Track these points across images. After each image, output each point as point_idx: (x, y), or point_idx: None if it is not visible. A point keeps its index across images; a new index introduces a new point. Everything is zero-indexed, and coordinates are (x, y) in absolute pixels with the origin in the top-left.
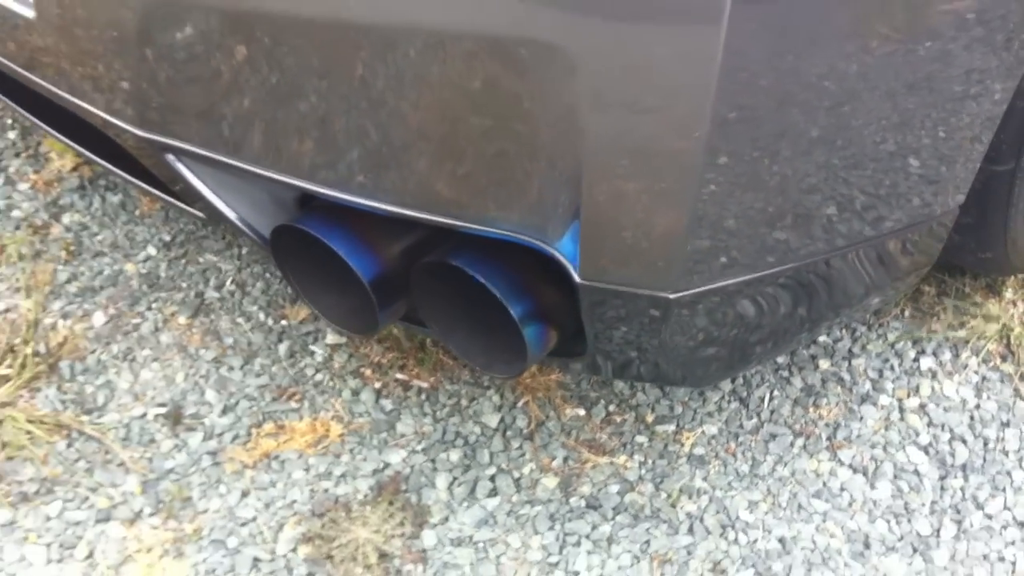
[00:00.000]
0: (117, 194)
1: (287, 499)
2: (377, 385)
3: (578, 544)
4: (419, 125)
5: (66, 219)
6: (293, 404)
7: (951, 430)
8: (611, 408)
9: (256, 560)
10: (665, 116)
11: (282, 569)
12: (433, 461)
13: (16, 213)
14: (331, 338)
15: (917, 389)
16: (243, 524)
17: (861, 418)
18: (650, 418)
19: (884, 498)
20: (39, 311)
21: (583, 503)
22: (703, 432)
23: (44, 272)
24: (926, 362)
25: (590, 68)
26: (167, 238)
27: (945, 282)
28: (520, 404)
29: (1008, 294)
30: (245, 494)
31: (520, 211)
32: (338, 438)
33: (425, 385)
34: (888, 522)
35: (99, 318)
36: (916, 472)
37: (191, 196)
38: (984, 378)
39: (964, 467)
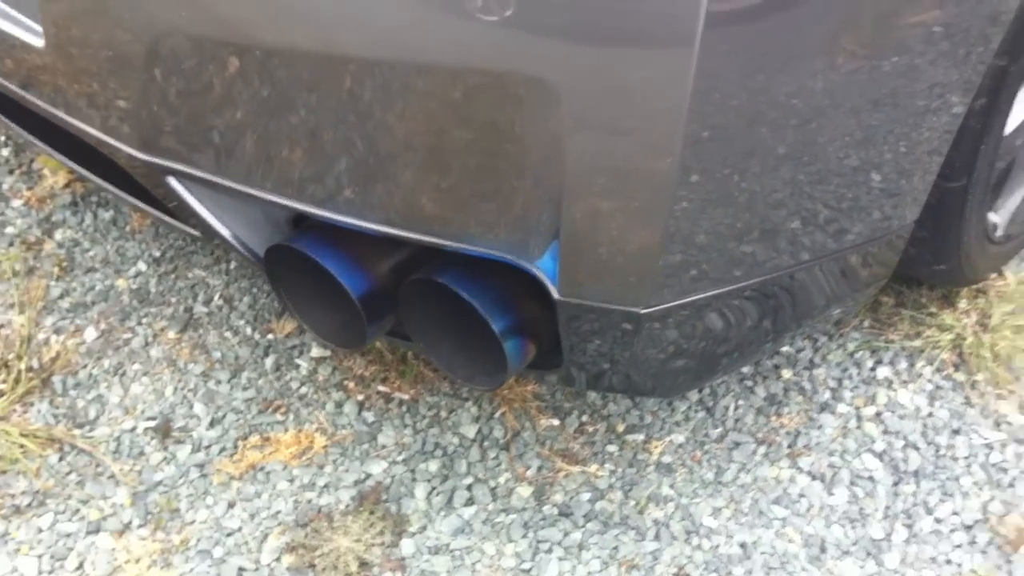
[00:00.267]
0: (108, 210)
1: (272, 510)
2: (360, 397)
3: (550, 551)
4: (406, 150)
5: (59, 235)
6: (278, 416)
7: (905, 437)
8: (584, 418)
9: (241, 570)
10: (641, 138)
11: None
12: (413, 472)
13: (10, 229)
14: (316, 351)
15: (874, 398)
16: (229, 534)
17: (820, 426)
18: (621, 428)
19: (840, 504)
20: (32, 326)
21: (556, 511)
22: (671, 441)
23: (37, 288)
24: (883, 371)
25: (569, 93)
26: (157, 254)
27: (903, 293)
28: (497, 415)
29: (962, 304)
30: (231, 505)
31: (503, 231)
32: (322, 449)
33: (406, 397)
34: (844, 527)
35: (91, 333)
36: (871, 478)
37: (188, 215)
38: (937, 386)
39: (916, 473)
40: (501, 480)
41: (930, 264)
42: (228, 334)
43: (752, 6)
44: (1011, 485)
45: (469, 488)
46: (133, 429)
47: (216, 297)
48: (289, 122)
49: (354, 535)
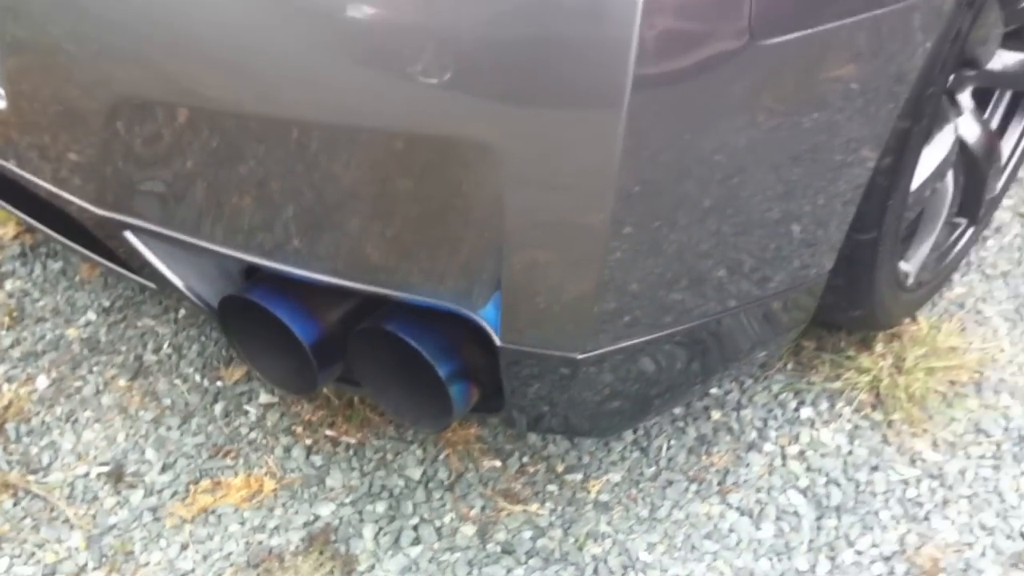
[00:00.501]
0: (58, 261)
1: (224, 551)
2: (308, 442)
3: None
4: (353, 207)
5: (8, 285)
6: (229, 461)
7: (827, 474)
8: (525, 459)
9: None
10: (575, 194)
11: None
12: (360, 513)
13: None
14: (264, 398)
15: (797, 437)
16: (183, 575)
17: (748, 464)
18: (560, 468)
19: (767, 537)
20: None
21: (499, 549)
22: (608, 480)
23: None
24: (805, 412)
25: (507, 152)
26: (106, 303)
27: (823, 338)
28: (442, 457)
29: (878, 348)
30: (184, 547)
31: (447, 282)
32: (271, 493)
33: (353, 441)
34: (771, 559)
35: (42, 381)
36: (796, 513)
37: (143, 267)
38: (856, 426)
39: (838, 508)
40: (446, 520)
41: (846, 310)
42: (178, 381)
43: (676, 69)
44: (926, 518)
45: (415, 528)
46: (86, 474)
47: (165, 345)
48: (240, 180)
49: (305, 574)
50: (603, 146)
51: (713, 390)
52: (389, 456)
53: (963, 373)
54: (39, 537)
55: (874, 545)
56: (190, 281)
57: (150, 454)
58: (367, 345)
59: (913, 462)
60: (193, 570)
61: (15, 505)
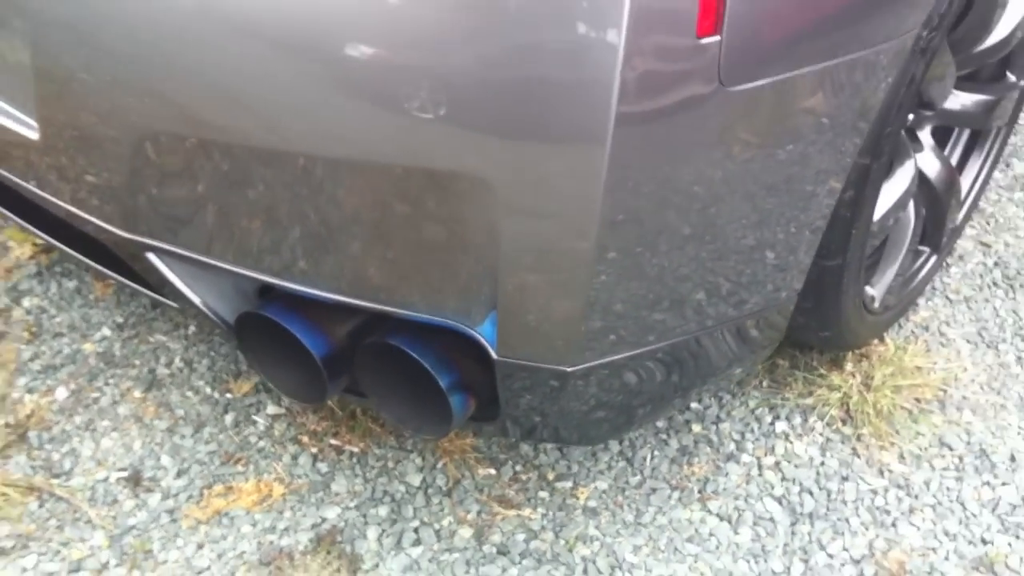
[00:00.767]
0: (73, 280)
1: (237, 550)
2: (314, 450)
3: None
4: (361, 234)
5: (26, 303)
6: (240, 468)
7: (800, 483)
8: (518, 468)
9: None
10: (564, 221)
11: None
12: (364, 516)
13: None
14: (272, 409)
15: (773, 449)
16: (199, 572)
17: (727, 474)
18: (551, 476)
19: (745, 541)
20: (6, 387)
21: (494, 550)
22: (596, 487)
23: (9, 351)
24: (780, 426)
25: (501, 184)
26: (120, 320)
27: (796, 357)
28: (439, 465)
29: (848, 367)
30: (200, 546)
31: (448, 301)
32: (280, 497)
33: (356, 450)
34: (748, 561)
35: (61, 392)
36: (771, 519)
37: (164, 287)
38: (828, 439)
39: (811, 515)
40: (444, 523)
41: (816, 331)
42: (190, 393)
43: (654, 109)
44: (893, 525)
45: (416, 530)
46: (106, 479)
47: (177, 360)
48: (256, 206)
49: (313, 572)
50: (588, 178)
51: (694, 405)
52: (390, 464)
53: (928, 391)
54: (64, 536)
55: (845, 549)
56: (208, 299)
57: (165, 460)
58: (373, 358)
59: (881, 473)
60: (209, 567)
61: (40, 507)
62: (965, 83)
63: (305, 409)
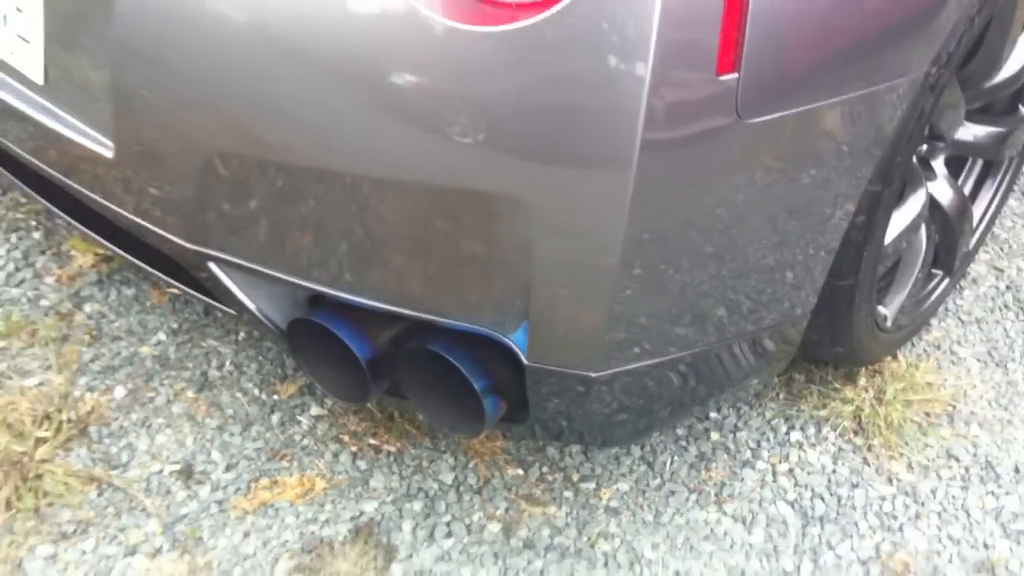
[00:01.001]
0: (131, 288)
1: (281, 539)
2: (353, 449)
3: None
4: (404, 248)
5: (87, 308)
6: (284, 463)
7: (812, 489)
8: (544, 469)
9: None
10: (591, 239)
11: None
12: (400, 510)
13: (44, 302)
14: (315, 410)
15: (787, 456)
16: (245, 559)
17: (742, 479)
18: (576, 477)
19: (758, 542)
20: (69, 385)
21: (521, 544)
22: (617, 489)
23: (71, 352)
24: (795, 435)
25: (534, 204)
26: (175, 325)
27: (812, 371)
28: (471, 465)
29: (862, 382)
30: (247, 534)
31: (484, 311)
32: (322, 491)
33: (393, 449)
34: (760, 560)
35: (120, 392)
36: (784, 522)
37: (223, 294)
38: (840, 449)
39: (822, 518)
40: (475, 518)
41: (830, 347)
42: (239, 394)
43: (677, 137)
44: (900, 529)
45: (448, 524)
46: (160, 472)
47: (227, 363)
48: (310, 222)
49: (352, 561)
50: (615, 200)
51: (712, 414)
52: (425, 463)
53: (937, 406)
54: (121, 523)
55: (852, 551)
56: (262, 306)
57: (215, 456)
58: (414, 362)
59: (890, 481)
60: (254, 554)
61: (99, 496)
62: (978, 115)
63: (346, 410)
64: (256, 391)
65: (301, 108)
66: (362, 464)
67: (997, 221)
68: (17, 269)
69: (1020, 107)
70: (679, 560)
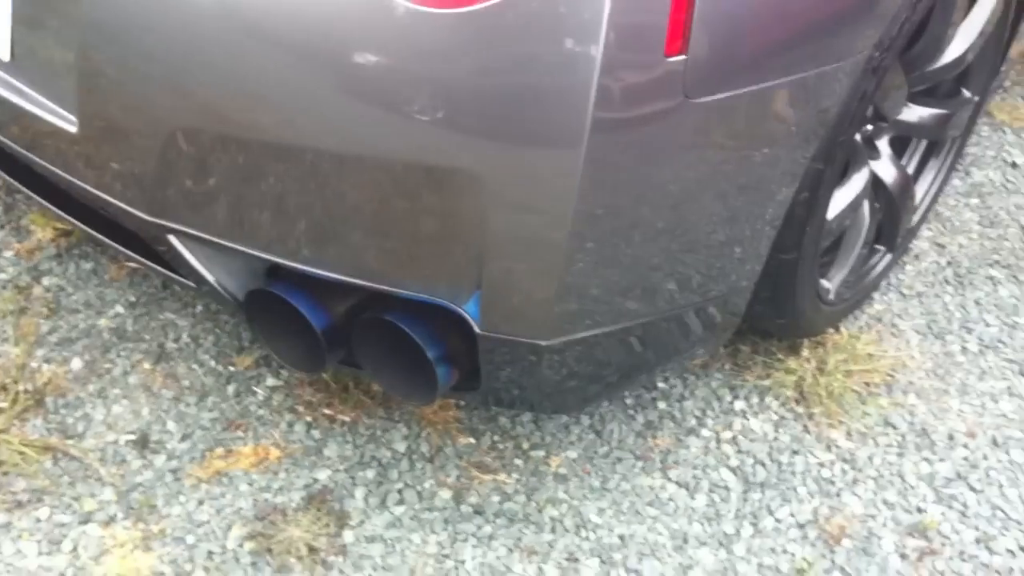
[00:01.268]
0: (89, 262)
1: (235, 506)
2: (308, 419)
3: (466, 540)
4: (360, 220)
5: (46, 281)
6: (240, 433)
7: (754, 456)
8: (495, 438)
9: (210, 552)
10: (543, 214)
11: (231, 559)
12: (353, 478)
13: (2, 276)
14: (271, 381)
15: (731, 425)
16: (199, 525)
17: (687, 446)
18: (526, 445)
19: (700, 506)
20: (26, 357)
21: (471, 510)
22: (566, 456)
23: (29, 325)
24: (739, 404)
25: (490, 179)
26: (133, 299)
27: (757, 343)
28: (424, 434)
29: (804, 353)
30: (201, 502)
31: (439, 282)
32: (276, 460)
33: (347, 419)
34: (702, 524)
35: (77, 363)
36: (726, 487)
37: (181, 266)
38: (782, 417)
39: (762, 484)
40: (426, 485)
41: (773, 318)
42: (195, 366)
43: (627, 117)
44: (837, 495)
45: (400, 492)
46: (116, 441)
47: (184, 336)
48: (271, 196)
49: (304, 527)
50: (566, 176)
51: (660, 384)
52: (378, 432)
53: (877, 376)
54: (75, 491)
55: (791, 515)
56: (221, 278)
57: (171, 426)
58: (369, 332)
59: (829, 448)
60: (208, 521)
61: (55, 464)
62: (922, 97)
63: (302, 381)
64: (212, 363)
65: (263, 86)
66: (316, 433)
67: (940, 199)
68: None
69: (963, 90)
70: (624, 524)
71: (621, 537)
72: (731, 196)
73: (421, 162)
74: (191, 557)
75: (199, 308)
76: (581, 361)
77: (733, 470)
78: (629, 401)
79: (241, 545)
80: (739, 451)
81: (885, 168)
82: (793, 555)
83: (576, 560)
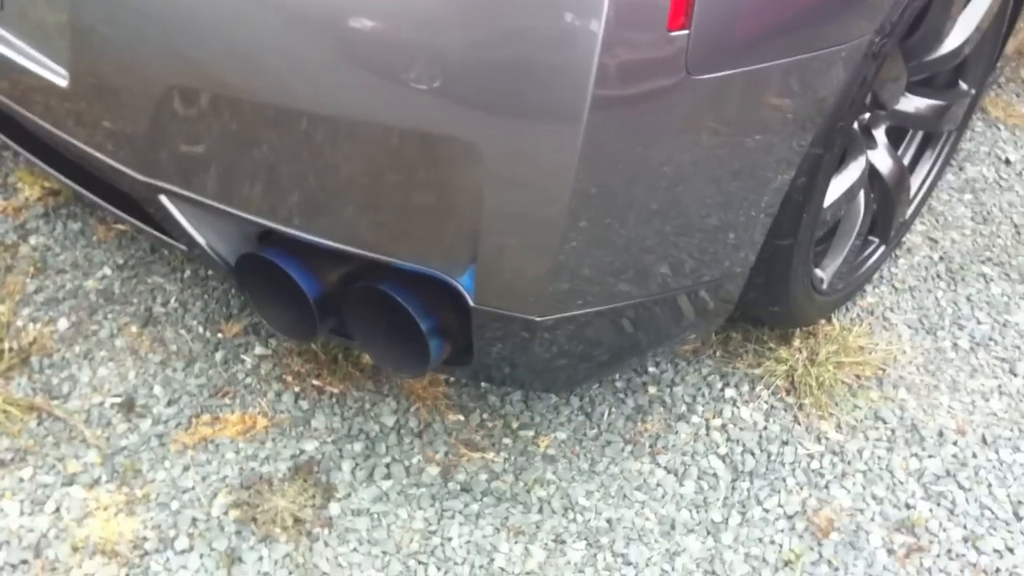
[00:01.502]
0: (77, 222)
1: (220, 474)
2: (296, 389)
3: (452, 518)
4: (357, 186)
5: (33, 240)
6: (227, 401)
7: (744, 444)
8: (485, 416)
9: (194, 519)
10: (540, 190)
11: (215, 527)
12: (340, 450)
13: None
14: (259, 349)
15: (721, 412)
16: (184, 492)
17: (677, 432)
18: (515, 424)
19: (689, 493)
20: (11, 315)
21: (458, 487)
22: (555, 437)
23: (15, 283)
24: (729, 392)
25: (488, 152)
26: (121, 261)
27: (749, 331)
28: (413, 409)
29: (796, 343)
30: (186, 469)
31: (434, 253)
32: (263, 429)
33: (336, 391)
34: (690, 511)
35: (63, 324)
36: (715, 475)
37: (171, 227)
38: (772, 407)
39: (751, 473)
40: (414, 461)
41: (767, 306)
42: (183, 331)
43: (627, 94)
44: (826, 487)
45: (387, 466)
46: (101, 404)
47: (172, 300)
48: (265, 159)
49: (290, 498)
50: (564, 153)
51: (651, 369)
52: (367, 405)
53: (868, 369)
54: (59, 452)
55: (780, 506)
56: (212, 241)
57: (158, 390)
58: (361, 301)
59: (818, 440)
60: (193, 488)
61: (39, 425)
62: (920, 88)
63: (290, 351)
64: (200, 329)
65: (260, 48)
66: (304, 404)
67: (934, 193)
68: None
69: (960, 82)
70: (612, 508)
71: (608, 521)
72: (729, 179)
73: (417, 130)
74: (175, 523)
75: (187, 273)
76: (573, 339)
77: (722, 458)
78: (619, 384)
79: (226, 513)
80: (728, 439)
81: (881, 158)
82: (781, 546)
83: (563, 542)
